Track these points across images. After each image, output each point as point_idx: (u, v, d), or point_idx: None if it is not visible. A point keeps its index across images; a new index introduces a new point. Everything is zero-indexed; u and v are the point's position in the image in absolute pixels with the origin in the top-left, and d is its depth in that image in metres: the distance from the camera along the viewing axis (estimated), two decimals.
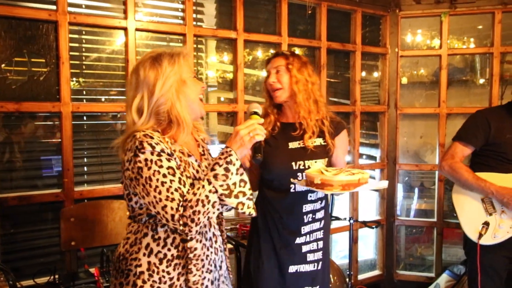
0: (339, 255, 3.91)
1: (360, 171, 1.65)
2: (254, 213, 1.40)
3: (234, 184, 1.35)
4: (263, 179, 2.00)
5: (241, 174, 1.37)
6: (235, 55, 3.01)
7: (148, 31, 2.72)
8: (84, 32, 2.57)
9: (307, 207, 1.93)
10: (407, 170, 3.93)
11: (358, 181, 1.56)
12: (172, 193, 1.33)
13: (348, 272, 3.02)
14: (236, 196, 1.35)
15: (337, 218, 3.07)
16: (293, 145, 1.93)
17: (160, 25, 2.73)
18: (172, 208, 1.32)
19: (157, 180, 1.34)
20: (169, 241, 1.45)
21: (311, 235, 1.95)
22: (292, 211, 1.92)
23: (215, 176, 1.33)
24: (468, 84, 3.95)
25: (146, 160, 1.35)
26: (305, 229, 1.94)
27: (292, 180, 1.81)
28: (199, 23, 2.92)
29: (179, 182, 1.36)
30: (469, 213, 2.38)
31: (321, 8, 3.36)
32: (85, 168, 2.61)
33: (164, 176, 1.34)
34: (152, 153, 1.35)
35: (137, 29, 2.62)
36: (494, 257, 2.33)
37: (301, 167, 1.88)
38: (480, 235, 2.27)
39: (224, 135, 3.33)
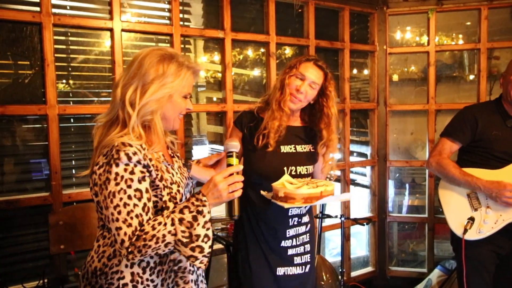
0: (332, 252, 3.91)
1: (326, 182, 1.64)
2: (202, 267, 1.35)
3: (198, 236, 1.28)
4: (249, 180, 1.91)
5: (207, 229, 1.30)
6: (223, 55, 3.01)
7: (134, 31, 2.70)
8: (69, 34, 2.55)
9: (293, 211, 1.91)
10: (398, 166, 3.95)
11: (321, 193, 1.55)
12: (131, 218, 1.26)
13: (340, 270, 3.03)
14: (193, 249, 1.28)
15: (329, 216, 3.07)
16: (284, 149, 1.89)
17: (146, 25, 2.72)
18: (125, 234, 1.25)
19: (121, 199, 1.27)
20: None
21: (297, 238, 1.93)
22: (278, 215, 1.89)
23: (181, 221, 1.27)
24: (457, 80, 3.97)
25: (117, 174, 1.27)
26: (290, 232, 1.92)
27: (261, 192, 1.76)
28: (186, 23, 2.91)
29: (143, 209, 1.29)
30: (455, 208, 2.38)
31: (309, 6, 3.36)
32: (73, 171, 2.59)
33: (129, 198, 1.27)
34: (125, 169, 1.28)
35: (123, 30, 2.61)
36: (481, 252, 2.33)
37: (293, 172, 1.85)
38: (465, 230, 2.27)
39: (214, 135, 3.32)
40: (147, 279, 1.38)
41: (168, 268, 1.43)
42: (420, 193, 3.98)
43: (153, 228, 1.27)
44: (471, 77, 3.91)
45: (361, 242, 4.03)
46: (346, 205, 3.67)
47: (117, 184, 1.27)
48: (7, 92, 2.35)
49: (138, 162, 1.30)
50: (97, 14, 2.60)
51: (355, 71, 3.83)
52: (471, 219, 2.31)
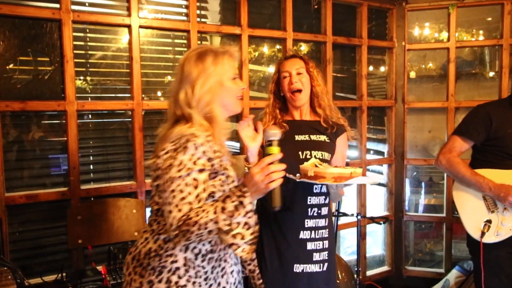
0: (347, 251, 3.89)
1: (354, 167, 1.67)
2: (245, 257, 1.38)
3: (238, 223, 1.32)
4: None
5: (249, 218, 1.34)
6: (239, 51, 2.99)
7: (152, 28, 2.71)
8: (88, 31, 2.57)
9: (312, 200, 1.89)
10: (415, 165, 3.89)
11: (350, 174, 1.58)
12: (183, 204, 1.33)
13: (356, 269, 3.00)
14: (234, 236, 1.32)
15: (345, 214, 3.05)
16: (298, 137, 1.93)
17: (163, 22, 2.72)
18: (174, 218, 1.32)
19: (178, 185, 1.34)
20: None
21: (316, 231, 1.90)
22: (296, 201, 1.86)
23: (223, 209, 1.32)
24: (477, 77, 3.88)
25: (181, 162, 1.34)
26: (308, 223, 1.88)
27: (287, 175, 1.71)
28: (203, 20, 2.91)
29: (196, 197, 1.35)
30: (471, 210, 2.32)
31: (326, 2, 3.32)
32: (91, 166, 2.61)
33: (186, 185, 1.34)
34: (190, 158, 1.35)
35: (140, 26, 2.62)
36: (499, 254, 2.27)
37: (308, 156, 1.86)
38: (483, 233, 2.22)
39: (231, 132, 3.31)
40: (198, 265, 1.46)
41: (218, 256, 1.52)
42: (438, 192, 3.92)
43: (197, 215, 1.32)
44: (491, 74, 3.82)
45: (376, 241, 3.99)
46: (362, 203, 3.64)
47: (178, 170, 1.34)
48: (27, 88, 2.38)
49: (204, 153, 1.38)
50: (115, 11, 2.62)
51: (370, 68, 3.77)
52: (488, 221, 2.25)
